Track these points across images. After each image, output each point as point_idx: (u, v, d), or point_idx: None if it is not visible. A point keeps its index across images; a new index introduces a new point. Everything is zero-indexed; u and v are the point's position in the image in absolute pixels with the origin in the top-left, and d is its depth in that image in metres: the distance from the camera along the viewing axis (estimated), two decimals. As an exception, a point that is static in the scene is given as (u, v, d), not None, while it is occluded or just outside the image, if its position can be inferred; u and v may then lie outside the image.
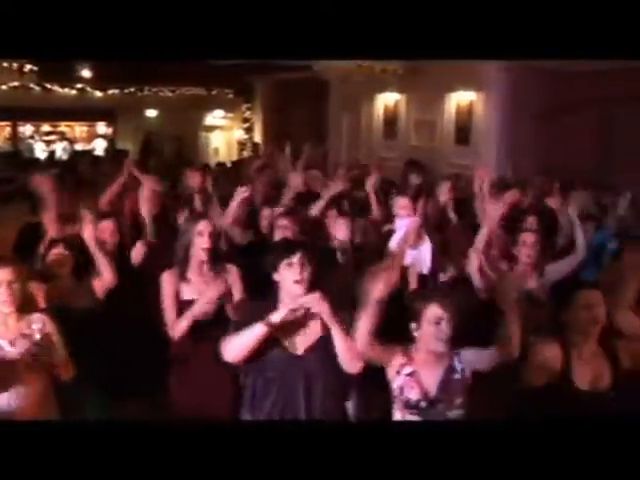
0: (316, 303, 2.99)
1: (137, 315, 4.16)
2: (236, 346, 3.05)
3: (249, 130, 16.30)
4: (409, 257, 4.69)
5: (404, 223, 4.88)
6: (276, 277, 3.13)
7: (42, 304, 3.68)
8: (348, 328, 3.01)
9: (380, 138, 11.92)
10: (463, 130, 10.24)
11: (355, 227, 4.93)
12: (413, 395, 3.09)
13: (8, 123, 16.54)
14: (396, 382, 3.14)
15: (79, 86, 14.47)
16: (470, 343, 3.17)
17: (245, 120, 16.38)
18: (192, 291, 3.84)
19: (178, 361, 3.84)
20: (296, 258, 3.06)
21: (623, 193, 6.03)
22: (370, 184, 5.75)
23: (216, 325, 3.61)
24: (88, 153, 15.58)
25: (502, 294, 3.16)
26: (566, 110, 9.34)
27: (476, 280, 4.16)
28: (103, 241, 4.70)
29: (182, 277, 3.86)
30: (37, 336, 3.24)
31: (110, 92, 14.87)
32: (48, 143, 16.92)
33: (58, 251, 4.17)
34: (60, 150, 16.62)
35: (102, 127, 17.79)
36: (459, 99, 10.26)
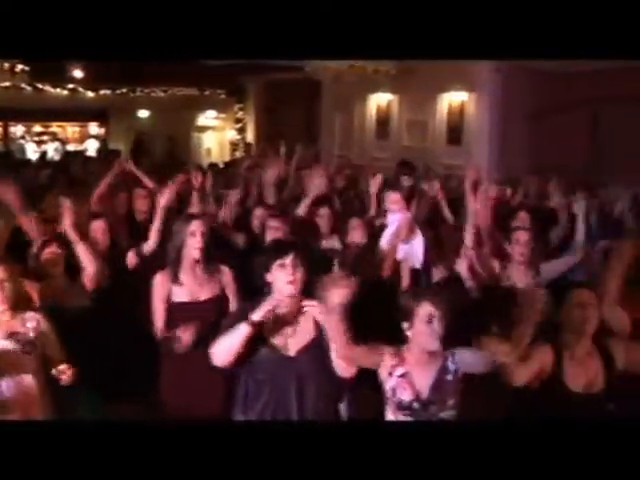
0: (317, 310, 3.00)
1: (131, 314, 4.15)
2: (223, 349, 3.05)
3: (241, 130, 16.28)
4: (401, 252, 4.70)
5: (396, 218, 4.89)
6: (269, 278, 3.12)
7: (36, 303, 3.68)
8: (343, 333, 3.02)
9: (372, 138, 11.94)
10: (455, 130, 10.27)
11: (349, 227, 4.93)
12: (405, 396, 3.07)
13: (-1, 123, 16.51)
14: (388, 383, 3.12)
15: (71, 86, 14.39)
16: (462, 342, 3.17)
17: (237, 120, 16.35)
18: (184, 293, 3.83)
19: (169, 363, 3.82)
20: (289, 259, 3.05)
21: (621, 194, 6.05)
22: (375, 184, 5.73)
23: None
24: (80, 154, 15.50)
25: (529, 309, 3.18)
26: (557, 110, 9.37)
27: (467, 279, 4.17)
28: (95, 241, 4.71)
29: (174, 279, 3.84)
30: (31, 334, 3.24)
31: (102, 92, 14.79)
32: (40, 144, 16.86)
33: (51, 250, 4.17)
34: (52, 151, 16.55)
35: (94, 127, 17.73)
36: (451, 99, 10.29)
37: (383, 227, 5.06)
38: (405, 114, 11.23)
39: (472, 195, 4.79)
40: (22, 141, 16.85)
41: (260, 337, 3.08)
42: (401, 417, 3.11)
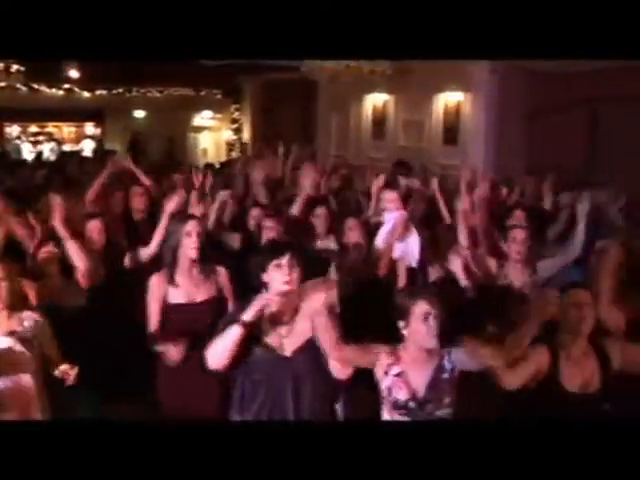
0: (317, 311, 3.02)
1: (128, 314, 4.14)
2: (217, 352, 3.05)
3: (238, 131, 16.27)
4: (397, 250, 4.71)
5: (392, 216, 4.90)
6: (265, 278, 3.12)
7: (33, 302, 3.68)
8: (331, 335, 3.02)
9: (369, 138, 11.94)
10: (451, 130, 10.27)
11: (346, 227, 4.93)
12: (401, 395, 3.07)
13: (-5, 124, 16.48)
14: (384, 383, 3.12)
15: (67, 86, 14.39)
16: (458, 341, 3.16)
17: (234, 121, 16.34)
18: (180, 294, 3.83)
19: (165, 364, 3.81)
20: (285, 259, 3.05)
21: (616, 195, 6.06)
22: (378, 184, 5.73)
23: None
24: (76, 154, 15.48)
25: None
26: (553, 110, 9.38)
27: (461, 278, 4.18)
28: (91, 240, 4.71)
29: (170, 280, 3.83)
30: (29, 333, 3.24)
31: (98, 92, 14.79)
32: (35, 144, 16.83)
33: (48, 249, 4.17)
34: (48, 151, 16.53)
35: (90, 128, 17.71)
36: (447, 100, 10.29)
37: (379, 226, 5.06)
38: (401, 114, 11.23)
39: (467, 195, 4.80)
40: (18, 141, 16.82)
41: (255, 337, 3.08)
42: (397, 416, 3.11)
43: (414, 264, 4.77)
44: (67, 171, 9.68)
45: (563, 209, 5.64)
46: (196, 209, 4.94)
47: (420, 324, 3.03)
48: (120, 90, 14.93)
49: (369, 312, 4.00)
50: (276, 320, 3.11)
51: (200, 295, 3.85)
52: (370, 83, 11.10)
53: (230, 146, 16.38)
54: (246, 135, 16.15)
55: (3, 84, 13.40)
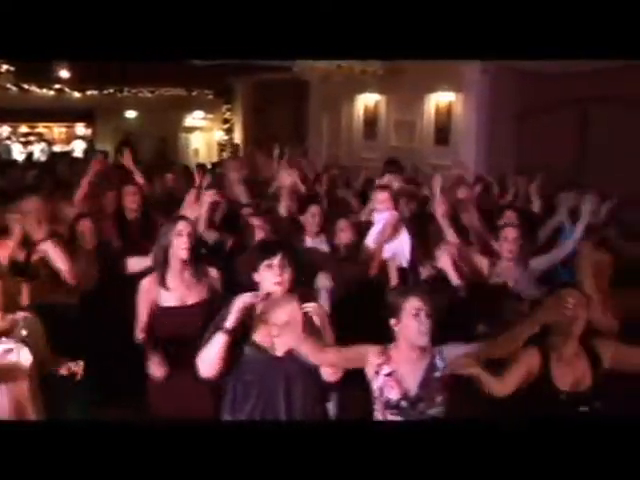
0: (317, 311, 3.05)
1: (121, 314, 4.12)
2: (206, 361, 3.06)
3: (229, 131, 16.24)
4: (388, 251, 4.72)
5: (383, 217, 4.90)
6: (256, 277, 3.12)
7: (26, 302, 3.66)
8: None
9: (360, 139, 11.95)
10: (442, 130, 10.29)
11: (337, 228, 4.93)
12: (393, 395, 3.06)
13: (-15, 124, 16.42)
14: (375, 383, 3.12)
15: (57, 86, 14.30)
16: (449, 339, 3.17)
17: (225, 121, 16.32)
18: (172, 297, 3.81)
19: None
20: (277, 260, 3.06)
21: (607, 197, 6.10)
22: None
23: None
24: (67, 154, 15.45)
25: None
26: (544, 110, 9.41)
27: (452, 276, 4.18)
28: (83, 241, 4.69)
29: (162, 282, 3.80)
30: (23, 332, 3.23)
31: (89, 93, 14.73)
32: (26, 144, 16.77)
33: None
34: (38, 151, 16.48)
35: (81, 128, 17.66)
36: (438, 100, 10.31)
37: (369, 226, 5.07)
38: (393, 114, 11.24)
39: (442, 197, 4.86)
40: (8, 142, 16.76)
41: (246, 338, 3.08)
42: (389, 416, 3.11)
43: (405, 264, 4.77)
44: (58, 172, 9.66)
45: (558, 209, 5.64)
46: (195, 208, 4.93)
47: (411, 320, 3.02)
48: (111, 90, 14.86)
49: (361, 312, 4.01)
50: (267, 320, 3.11)
51: (192, 298, 3.83)
52: (361, 83, 11.11)
53: (222, 146, 16.36)
54: (237, 135, 16.13)
55: (-7, 84, 13.36)
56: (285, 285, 3.08)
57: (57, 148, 16.96)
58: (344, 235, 4.88)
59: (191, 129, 17.77)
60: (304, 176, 7.15)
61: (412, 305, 3.04)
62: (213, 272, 3.94)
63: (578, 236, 4.78)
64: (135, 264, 4.35)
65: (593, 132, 8.95)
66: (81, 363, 3.35)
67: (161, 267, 3.81)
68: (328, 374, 3.12)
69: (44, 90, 14.26)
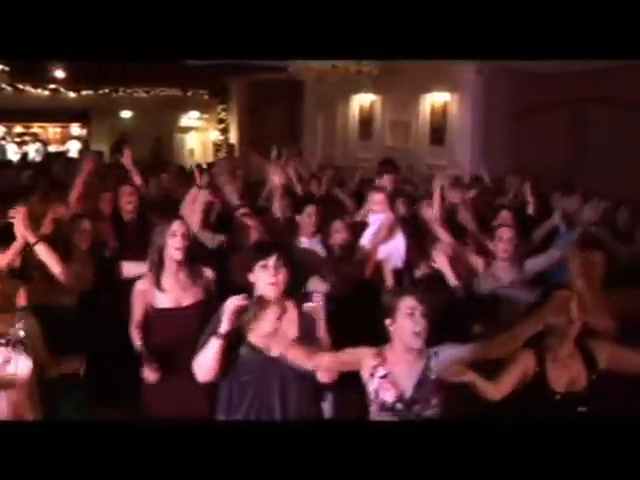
0: (316, 312, 3.06)
1: (117, 316, 4.11)
2: (203, 366, 3.06)
3: (225, 131, 16.25)
4: (382, 252, 4.72)
5: (378, 218, 4.90)
6: (251, 278, 3.12)
7: (23, 304, 3.66)
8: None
9: (355, 139, 11.98)
10: (438, 130, 10.32)
11: (333, 229, 4.93)
12: (388, 397, 3.04)
13: (-20, 125, 16.37)
14: (371, 385, 3.09)
15: (52, 87, 14.29)
16: (445, 341, 3.14)
17: (220, 121, 16.32)
18: (167, 299, 3.79)
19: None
20: (272, 260, 3.05)
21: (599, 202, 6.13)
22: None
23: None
24: (62, 155, 15.42)
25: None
26: (539, 110, 9.43)
27: (449, 276, 4.19)
28: (78, 241, 4.68)
29: (157, 284, 3.79)
30: (21, 333, 3.22)
31: (84, 93, 14.70)
32: (21, 144, 16.72)
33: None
34: (33, 152, 16.44)
35: (76, 128, 17.61)
36: (433, 100, 10.34)
37: (364, 226, 5.07)
38: (388, 114, 11.27)
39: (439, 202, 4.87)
40: (3, 142, 16.70)
41: (242, 339, 3.08)
42: (385, 418, 3.09)
43: (400, 265, 4.77)
44: (53, 172, 9.63)
45: (553, 214, 5.66)
46: (196, 207, 4.92)
47: (405, 319, 3.00)
48: (106, 90, 14.84)
49: (356, 313, 4.01)
50: (262, 321, 3.11)
51: (187, 299, 3.81)
52: (357, 83, 11.13)
53: (217, 147, 16.35)
54: (233, 135, 16.13)
55: (-12, 84, 13.33)
56: (280, 286, 3.07)
57: (52, 148, 16.91)
58: (339, 236, 4.87)
59: (186, 129, 17.76)
60: (299, 176, 7.15)
61: (407, 304, 3.02)
62: (208, 273, 3.91)
63: (574, 238, 4.80)
64: (131, 270, 4.32)
65: (588, 132, 8.98)
66: (83, 364, 3.35)
67: (156, 268, 3.79)
68: (322, 376, 3.12)
69: (39, 90, 14.24)
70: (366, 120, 11.72)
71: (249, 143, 14.51)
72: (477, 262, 4.57)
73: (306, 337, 3.11)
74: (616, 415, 3.11)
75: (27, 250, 4.14)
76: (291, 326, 3.15)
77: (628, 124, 8.25)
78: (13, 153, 16.25)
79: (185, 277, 3.82)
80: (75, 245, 4.70)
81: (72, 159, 13.80)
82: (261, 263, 3.06)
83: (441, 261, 4.21)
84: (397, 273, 4.74)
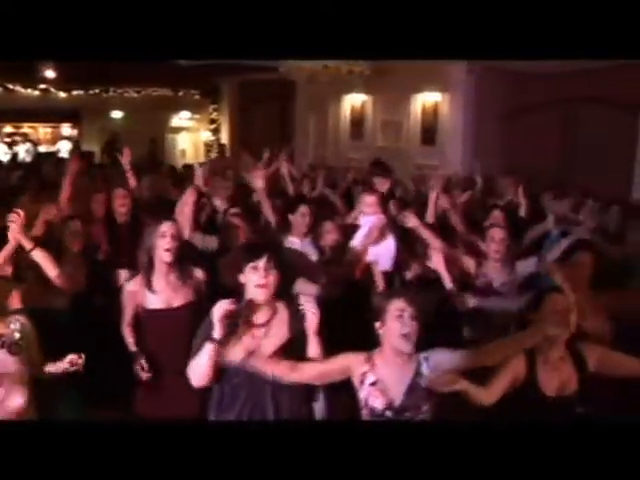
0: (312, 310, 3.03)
1: (110, 317, 4.09)
2: (196, 372, 3.05)
3: (216, 131, 16.22)
4: (372, 254, 4.71)
5: (369, 220, 4.90)
6: (242, 279, 3.11)
7: (17, 305, 3.64)
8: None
9: (347, 139, 11.98)
10: (429, 131, 10.34)
11: (324, 230, 4.92)
12: (378, 404, 2.99)
13: (-31, 125, 16.29)
14: (361, 392, 3.05)
15: (42, 86, 14.22)
16: (437, 344, 3.11)
17: (212, 121, 16.29)
18: (158, 300, 3.77)
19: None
20: (262, 262, 3.04)
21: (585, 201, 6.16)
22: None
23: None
24: (52, 155, 15.37)
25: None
26: (530, 110, 9.46)
27: (445, 278, 4.18)
28: (70, 243, 4.67)
29: (147, 285, 3.77)
30: (17, 335, 3.21)
31: (74, 93, 14.64)
32: (11, 145, 16.63)
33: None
34: (23, 152, 16.37)
35: (67, 128, 17.56)
36: (425, 100, 10.35)
37: (355, 228, 5.06)
38: (379, 114, 11.28)
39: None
40: (-7, 142, 16.66)
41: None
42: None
43: (389, 268, 4.77)
44: (43, 173, 9.61)
45: (547, 219, 5.68)
46: (185, 207, 4.91)
47: (394, 321, 2.95)
48: (97, 90, 14.78)
49: (347, 315, 4.00)
50: (253, 323, 3.10)
51: (178, 300, 3.78)
52: (348, 83, 11.13)
53: (208, 147, 16.33)
54: (224, 136, 16.11)
55: (-23, 84, 13.26)
56: (270, 288, 3.06)
57: (42, 148, 16.86)
58: (330, 237, 4.85)
59: (178, 129, 17.72)
60: (291, 176, 7.14)
61: (395, 307, 2.97)
62: (199, 274, 3.90)
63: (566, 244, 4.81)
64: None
65: (579, 132, 9.01)
66: (83, 356, 3.33)
67: (146, 269, 3.78)
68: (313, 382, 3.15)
69: (29, 90, 14.17)
70: (357, 120, 11.73)
71: (240, 143, 14.50)
72: (469, 263, 4.57)
73: (297, 338, 3.11)
74: (607, 417, 3.14)
75: (19, 253, 4.13)
76: (282, 327, 3.14)
77: (619, 124, 8.28)
78: (3, 153, 16.16)
79: (175, 278, 3.80)
80: (67, 247, 4.68)
81: (63, 159, 13.75)
82: (251, 265, 3.05)
83: (437, 261, 4.20)
84: (388, 275, 4.73)
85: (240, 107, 15.66)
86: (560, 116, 9.25)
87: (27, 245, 3.84)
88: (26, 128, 17.17)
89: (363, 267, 4.68)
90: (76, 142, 17.14)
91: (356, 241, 4.83)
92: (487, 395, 3.14)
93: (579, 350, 3.24)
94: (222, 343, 2.98)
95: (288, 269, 3.35)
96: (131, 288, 3.80)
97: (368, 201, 5.11)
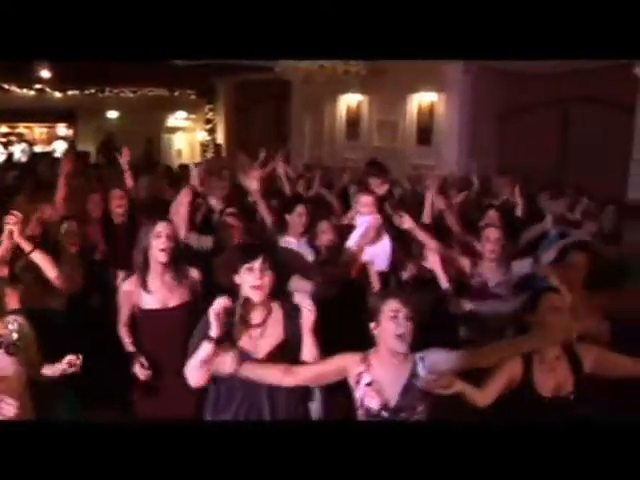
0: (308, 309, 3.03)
1: (107, 318, 4.09)
2: (193, 372, 3.03)
3: (212, 131, 16.21)
4: (367, 254, 4.72)
5: (365, 220, 4.90)
6: (237, 280, 3.11)
7: (15, 306, 3.64)
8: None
9: (343, 139, 11.98)
10: (425, 131, 10.35)
11: (319, 230, 4.92)
12: (374, 405, 2.99)
13: (-35, 125, 16.24)
14: (356, 393, 3.05)
15: (38, 86, 14.19)
16: (433, 345, 3.10)
17: (208, 121, 16.29)
18: (154, 300, 3.77)
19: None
20: (257, 263, 3.04)
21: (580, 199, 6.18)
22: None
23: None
24: (48, 155, 15.33)
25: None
26: (526, 110, 9.47)
27: (441, 278, 4.19)
28: (67, 243, 4.66)
29: (143, 285, 3.77)
30: (14, 336, 3.20)
31: (70, 93, 14.61)
32: (6, 145, 16.58)
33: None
34: (19, 152, 16.32)
35: (62, 129, 17.50)
36: (421, 100, 10.36)
37: (351, 228, 5.06)
38: (375, 115, 11.28)
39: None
40: (-11, 142, 16.61)
41: (230, 342, 3.07)
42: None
43: (384, 268, 4.77)
44: (39, 173, 9.59)
45: (545, 219, 5.69)
46: (180, 208, 4.91)
47: (389, 322, 2.95)
48: (92, 90, 14.75)
49: (342, 315, 3.99)
50: (248, 323, 3.11)
51: (173, 300, 3.79)
52: (344, 83, 11.13)
53: (204, 147, 16.32)
54: (220, 136, 16.10)
55: (-27, 84, 13.23)
56: (265, 289, 3.06)
57: (38, 148, 16.79)
58: (325, 237, 4.86)
59: (174, 129, 17.69)
60: (287, 176, 7.14)
61: (390, 307, 2.96)
62: (194, 273, 3.90)
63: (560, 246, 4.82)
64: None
65: (575, 132, 9.03)
66: (80, 357, 3.33)
67: (141, 269, 3.78)
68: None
69: (25, 90, 14.14)
70: (353, 120, 11.73)
71: (236, 143, 14.50)
72: (464, 263, 4.58)
73: (292, 338, 3.11)
74: (604, 417, 3.14)
75: (15, 253, 4.12)
76: (277, 327, 3.14)
77: (615, 124, 8.29)
78: (-2, 153, 16.17)
79: (171, 278, 3.81)
80: (63, 247, 4.67)
81: (58, 159, 13.65)
82: (246, 266, 3.05)
83: (434, 261, 4.20)
84: (384, 275, 4.73)
85: (236, 107, 15.65)
86: (556, 116, 9.26)
87: (27, 247, 3.84)
88: (22, 128, 17.11)
89: (359, 267, 4.68)
90: (72, 142, 17.09)
91: (352, 241, 4.82)
92: (483, 396, 3.14)
93: (575, 351, 3.25)
94: (219, 342, 2.97)
95: (284, 269, 3.34)
96: (126, 288, 3.79)
97: (364, 201, 5.11)
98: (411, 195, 7.24)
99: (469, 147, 9.78)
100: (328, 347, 3.12)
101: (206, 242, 5.06)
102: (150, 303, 3.76)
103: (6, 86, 13.79)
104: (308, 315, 3.04)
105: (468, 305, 4.19)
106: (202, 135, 16.53)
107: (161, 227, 3.76)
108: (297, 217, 5.01)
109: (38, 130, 17.48)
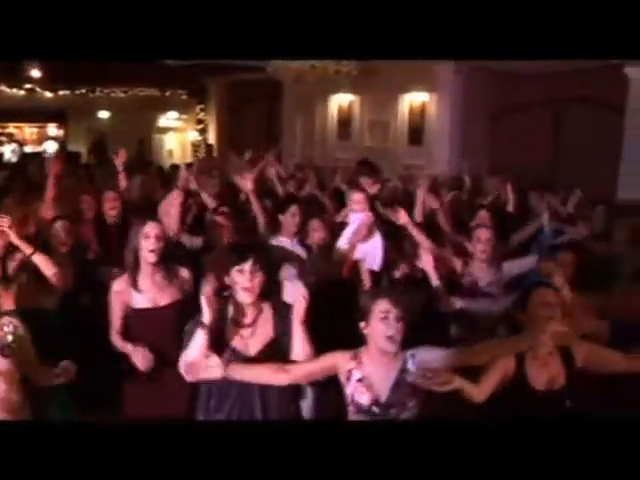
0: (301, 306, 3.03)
1: (99, 318, 4.07)
2: (188, 364, 3.02)
3: (203, 131, 16.20)
4: (359, 252, 4.72)
5: (358, 217, 4.91)
6: (227, 281, 3.11)
7: (9, 307, 3.63)
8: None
9: (334, 139, 11.99)
10: (416, 131, 10.37)
11: (310, 228, 4.92)
12: (364, 400, 3.00)
13: (-46, 125, 16.15)
14: (347, 388, 3.06)
15: (28, 86, 14.14)
16: (424, 343, 3.10)
17: (199, 121, 16.28)
18: (144, 299, 3.78)
19: (132, 371, 3.75)
20: (248, 265, 3.04)
21: (573, 190, 6.21)
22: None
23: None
24: (38, 155, 15.26)
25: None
26: (517, 110, 9.50)
27: (432, 277, 4.19)
28: (58, 243, 4.65)
29: (133, 284, 3.77)
30: (9, 338, 3.19)
31: (61, 93, 14.57)
32: (-4, 145, 16.55)
33: (19, 257, 4.10)
34: (9, 152, 16.23)
35: (53, 129, 17.42)
36: (412, 100, 10.38)
37: (343, 225, 5.07)
38: (367, 115, 11.30)
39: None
40: (-22, 143, 16.51)
41: (222, 342, 3.07)
42: (363, 419, 3.05)
43: (375, 266, 4.77)
44: (29, 173, 9.53)
45: (541, 215, 5.70)
46: (171, 208, 4.90)
47: (379, 323, 2.95)
48: (83, 90, 14.70)
49: (334, 313, 4.00)
50: (240, 323, 3.11)
51: (164, 299, 3.80)
52: (335, 83, 11.14)
53: (195, 147, 16.30)
54: (211, 136, 16.08)
55: (-38, 84, 13.16)
56: (256, 290, 3.07)
57: (28, 149, 16.70)
58: (317, 235, 4.87)
59: (165, 130, 17.66)
60: (279, 176, 7.14)
61: (380, 308, 2.97)
62: (184, 273, 3.91)
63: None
64: None
65: (566, 132, 9.06)
66: (74, 366, 3.34)
67: (132, 269, 3.78)
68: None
69: (15, 90, 14.09)
70: (345, 120, 11.75)
71: (228, 143, 14.49)
72: (455, 263, 4.59)
73: (282, 336, 3.12)
74: (596, 412, 3.15)
75: (8, 254, 4.11)
76: (266, 326, 3.15)
77: (606, 124, 8.33)
78: (-11, 154, 16.08)
79: (161, 277, 3.81)
80: (54, 247, 4.66)
81: (49, 160, 13.65)
82: (237, 268, 3.05)
83: (427, 261, 4.21)
84: (375, 273, 4.74)
85: (227, 107, 15.65)
86: (547, 116, 9.29)
87: (27, 250, 3.85)
88: (12, 128, 17.00)
89: (350, 265, 4.68)
90: (62, 142, 17.03)
91: (344, 238, 4.83)
92: (478, 392, 3.15)
93: (567, 346, 3.26)
94: (212, 330, 2.96)
95: (275, 269, 3.34)
96: (117, 288, 3.79)
97: (356, 198, 5.12)
98: (402, 194, 7.25)
99: (460, 147, 9.81)
100: (319, 345, 3.12)
101: (197, 241, 5.07)
102: (141, 302, 3.77)
103: (-4, 86, 13.75)
104: (300, 305, 3.04)
105: (459, 303, 4.20)
106: (193, 135, 16.51)
107: (149, 228, 3.75)
108: (290, 217, 5.02)
109: (28, 130, 17.38)
